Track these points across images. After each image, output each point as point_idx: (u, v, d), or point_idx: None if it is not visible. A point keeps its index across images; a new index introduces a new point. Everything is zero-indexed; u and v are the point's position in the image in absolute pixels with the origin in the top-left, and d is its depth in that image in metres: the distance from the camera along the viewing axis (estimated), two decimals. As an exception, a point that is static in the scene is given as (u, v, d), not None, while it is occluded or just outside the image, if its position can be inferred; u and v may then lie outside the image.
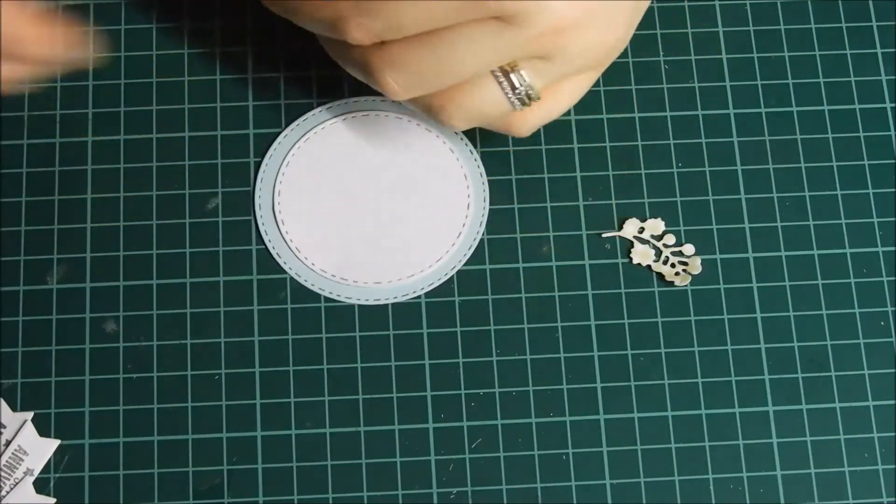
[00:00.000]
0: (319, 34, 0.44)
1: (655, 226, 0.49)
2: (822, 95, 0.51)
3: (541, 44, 0.42)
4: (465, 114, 0.44)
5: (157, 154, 0.49)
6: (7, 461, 0.45)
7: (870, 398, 0.47)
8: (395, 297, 0.48)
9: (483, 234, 0.49)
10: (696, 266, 0.48)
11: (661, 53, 0.51)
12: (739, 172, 0.50)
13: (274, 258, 0.48)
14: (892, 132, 0.51)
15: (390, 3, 0.40)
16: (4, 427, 0.46)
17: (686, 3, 0.52)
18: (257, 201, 0.49)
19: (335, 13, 0.41)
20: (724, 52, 0.51)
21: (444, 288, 0.48)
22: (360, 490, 0.46)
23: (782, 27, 0.52)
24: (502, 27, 0.41)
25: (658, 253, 0.49)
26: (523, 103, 0.44)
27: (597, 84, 0.50)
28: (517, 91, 0.43)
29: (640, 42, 0.50)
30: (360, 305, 0.48)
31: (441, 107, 0.44)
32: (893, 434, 0.47)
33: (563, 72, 0.44)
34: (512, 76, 0.43)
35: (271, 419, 0.46)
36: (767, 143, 0.50)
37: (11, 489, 0.45)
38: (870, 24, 0.52)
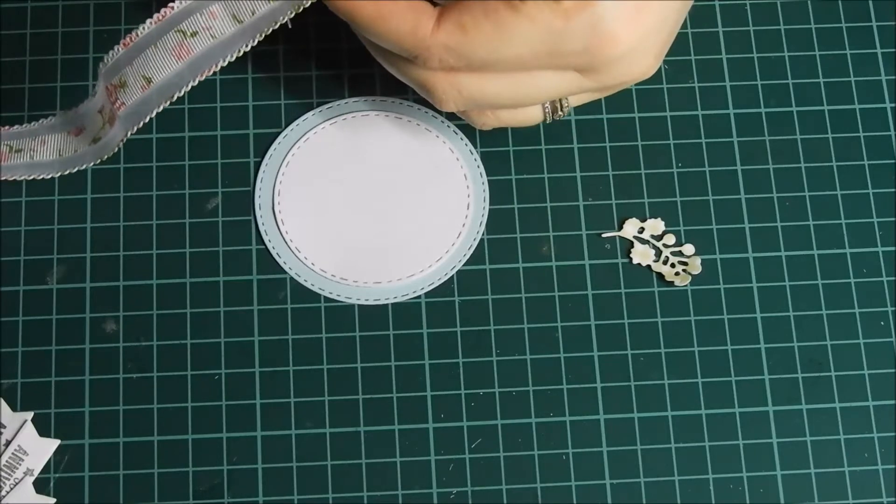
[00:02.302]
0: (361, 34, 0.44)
1: (655, 226, 0.49)
2: (822, 95, 0.51)
3: (610, 85, 0.43)
4: (501, 123, 0.46)
5: (157, 154, 0.49)
6: (7, 461, 0.45)
7: (870, 398, 0.47)
8: (395, 297, 0.48)
9: (483, 234, 0.49)
10: (696, 266, 0.48)
11: (661, 53, 0.51)
12: (739, 172, 0.50)
13: (274, 258, 0.48)
14: (892, 132, 0.51)
15: (483, 47, 0.40)
16: (4, 427, 0.46)
17: (686, 3, 0.52)
18: (257, 201, 0.49)
19: (422, 45, 0.41)
20: (724, 52, 0.51)
21: (444, 288, 0.48)
22: (360, 490, 0.46)
23: (782, 27, 0.52)
24: (583, 77, 0.42)
25: (658, 253, 0.49)
26: (556, 117, 0.46)
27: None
28: (557, 113, 0.45)
29: (640, 42, 0.50)
30: (360, 305, 0.48)
31: (481, 114, 0.45)
32: (893, 434, 0.47)
33: (600, 92, 0.45)
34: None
35: (271, 419, 0.46)
36: (767, 143, 0.50)
37: (11, 489, 0.45)
38: (870, 24, 0.52)
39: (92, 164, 0.46)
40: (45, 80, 0.50)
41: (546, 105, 0.45)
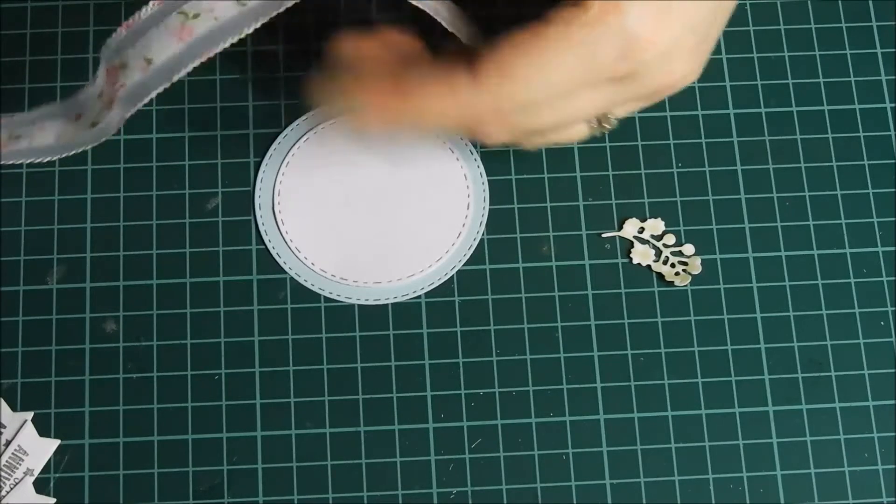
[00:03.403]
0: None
1: (655, 226, 0.49)
2: (822, 95, 0.51)
3: (651, 92, 0.42)
4: (548, 143, 0.45)
5: (157, 154, 0.49)
6: (7, 461, 0.45)
7: (870, 398, 0.47)
8: (395, 297, 0.48)
9: (483, 234, 0.49)
10: (696, 266, 0.48)
11: (661, 53, 0.51)
12: (739, 172, 0.50)
13: (274, 258, 0.48)
14: (892, 132, 0.51)
15: (534, 70, 0.40)
16: (4, 427, 0.46)
17: (686, 3, 0.52)
18: (257, 201, 0.49)
19: (475, 71, 0.40)
20: (724, 52, 0.51)
21: (444, 288, 0.48)
22: (360, 490, 0.46)
23: (782, 27, 0.52)
24: (622, 85, 0.41)
25: (658, 253, 0.49)
26: (602, 130, 0.44)
27: (597, 84, 0.50)
28: (604, 125, 0.44)
29: (640, 42, 0.50)
30: (360, 305, 0.48)
31: (528, 140, 0.44)
32: (893, 434, 0.47)
33: (647, 102, 0.44)
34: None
35: (271, 419, 0.46)
36: (767, 143, 0.50)
37: (11, 489, 0.45)
38: (870, 24, 0.52)
39: (89, 147, 0.46)
40: (45, 80, 0.50)
41: (591, 120, 0.44)
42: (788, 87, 0.51)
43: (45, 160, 0.47)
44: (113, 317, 0.47)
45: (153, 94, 0.43)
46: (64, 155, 0.47)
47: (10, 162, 0.47)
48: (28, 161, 0.47)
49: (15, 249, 0.48)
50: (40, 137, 0.47)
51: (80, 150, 0.47)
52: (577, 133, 0.45)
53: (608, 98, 0.42)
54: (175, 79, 0.43)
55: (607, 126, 0.44)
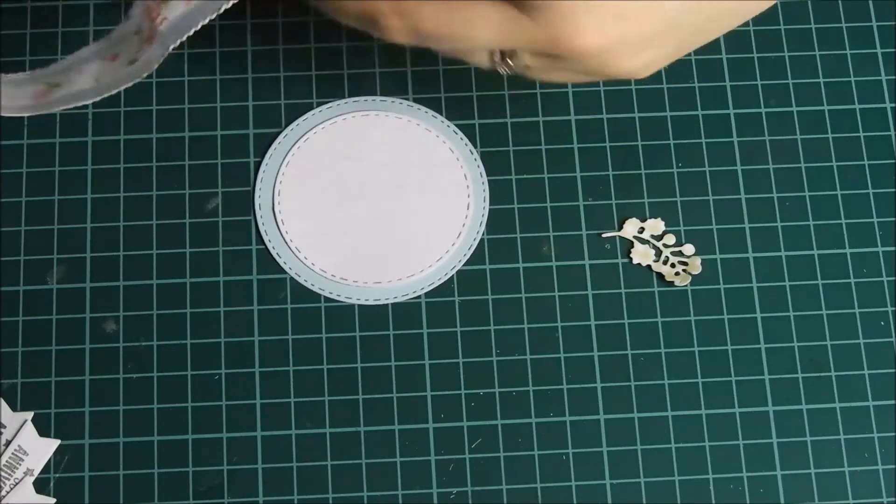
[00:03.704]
0: None
1: (655, 226, 0.49)
2: (822, 95, 0.51)
3: (557, 48, 0.40)
4: (455, 54, 0.42)
5: (157, 154, 0.49)
6: (7, 461, 0.45)
7: (870, 398, 0.47)
8: (395, 297, 0.48)
9: (483, 234, 0.49)
10: (696, 266, 0.48)
11: (661, 53, 0.51)
12: (739, 172, 0.50)
13: (274, 258, 0.48)
14: (892, 132, 0.51)
15: None
16: (4, 427, 0.46)
17: (686, 3, 0.52)
18: (257, 201, 0.49)
19: None
20: (724, 52, 0.51)
21: (444, 288, 0.48)
22: (360, 490, 0.46)
23: (782, 27, 0.52)
24: (521, 21, 0.39)
25: (658, 253, 0.49)
26: (512, 72, 0.42)
27: (597, 84, 0.50)
28: (510, 66, 0.42)
29: (640, 42, 0.50)
30: (360, 305, 0.48)
31: (431, 46, 0.42)
32: (893, 434, 0.47)
33: (568, 71, 0.42)
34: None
35: (271, 419, 0.46)
36: (767, 143, 0.50)
37: (11, 489, 0.45)
38: (870, 24, 0.52)
39: (130, 85, 0.45)
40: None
41: (496, 54, 0.42)
42: (788, 87, 0.51)
43: (88, 102, 0.46)
44: (113, 317, 0.47)
45: (199, 26, 0.41)
46: (104, 96, 0.45)
47: (53, 111, 0.47)
48: (70, 106, 0.46)
49: (15, 249, 0.48)
50: (79, 82, 0.46)
51: (119, 90, 0.45)
52: (478, 59, 0.42)
53: (508, 30, 0.40)
54: (222, 9, 0.41)
55: (508, 67, 0.42)
